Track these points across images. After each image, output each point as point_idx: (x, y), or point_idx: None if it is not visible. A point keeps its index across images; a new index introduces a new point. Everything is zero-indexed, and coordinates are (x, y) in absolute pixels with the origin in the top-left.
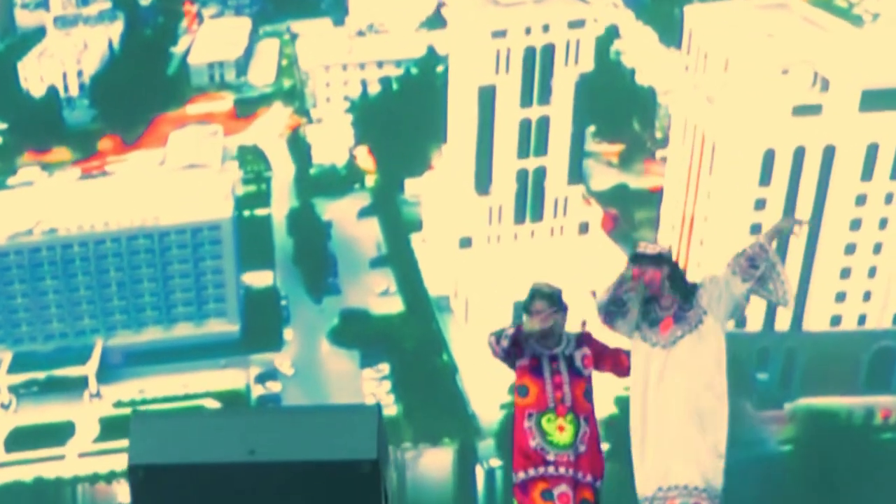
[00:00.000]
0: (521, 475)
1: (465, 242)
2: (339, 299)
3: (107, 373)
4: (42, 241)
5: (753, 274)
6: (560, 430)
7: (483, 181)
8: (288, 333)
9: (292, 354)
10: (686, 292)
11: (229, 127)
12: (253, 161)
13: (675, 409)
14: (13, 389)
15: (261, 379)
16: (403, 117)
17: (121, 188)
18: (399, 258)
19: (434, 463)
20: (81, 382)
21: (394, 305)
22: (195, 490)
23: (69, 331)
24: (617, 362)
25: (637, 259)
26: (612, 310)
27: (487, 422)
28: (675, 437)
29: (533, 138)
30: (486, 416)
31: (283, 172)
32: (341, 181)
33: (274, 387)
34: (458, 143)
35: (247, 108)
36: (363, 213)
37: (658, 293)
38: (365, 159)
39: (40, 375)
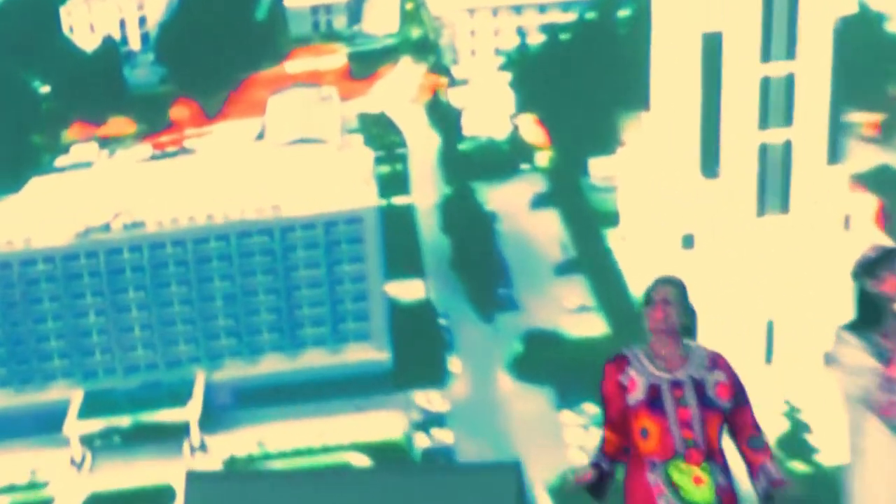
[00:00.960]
0: None
1: (688, 241)
2: (518, 317)
3: (213, 418)
4: (123, 239)
5: None
6: (697, 483)
7: (710, 160)
8: (453, 363)
9: (462, 391)
10: None
11: (343, 89)
12: (380, 134)
13: None
14: (87, 441)
15: (424, 425)
16: (579, 77)
17: (215, 170)
18: (593, 262)
19: None
20: (180, 431)
21: (593, 325)
22: None
23: (160, 361)
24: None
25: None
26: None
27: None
28: None
29: (777, 103)
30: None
31: (422, 149)
32: (503, 160)
33: (443, 436)
34: (669, 111)
35: (365, 66)
36: (538, 202)
37: None
38: (532, 131)
39: (123, 422)
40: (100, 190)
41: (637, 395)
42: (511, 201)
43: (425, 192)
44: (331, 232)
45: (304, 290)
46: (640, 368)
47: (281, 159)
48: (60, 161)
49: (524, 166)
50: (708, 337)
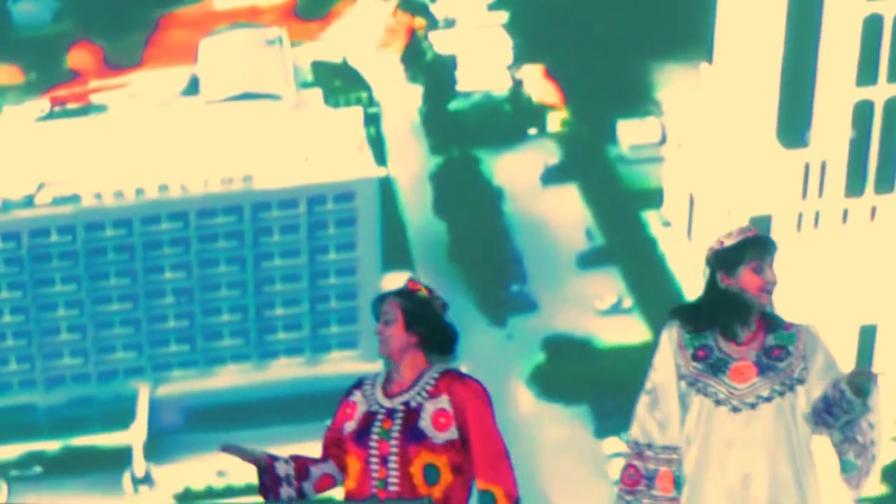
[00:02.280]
0: None
1: (760, 226)
2: (537, 320)
3: (160, 443)
4: (51, 217)
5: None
6: None
7: (795, 123)
8: None
9: None
10: (777, 322)
11: (290, 31)
12: (344, 88)
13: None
14: (1, 470)
15: None
16: (603, 14)
17: (144, 133)
18: (629, 251)
19: None
20: (118, 459)
21: (632, 329)
22: None
23: (91, 371)
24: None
25: (771, 246)
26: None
27: None
28: None
29: (886, 49)
30: None
31: (398, 108)
32: (505, 123)
33: None
34: (738, 57)
35: (315, 1)
36: (550, 176)
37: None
38: (541, 86)
39: (48, 447)
40: (10, 154)
41: (351, 424)
42: (518, 175)
43: (406, 163)
44: (315, 211)
45: (279, 285)
46: (368, 392)
47: (230, 119)
48: None
49: (532, 131)
50: None
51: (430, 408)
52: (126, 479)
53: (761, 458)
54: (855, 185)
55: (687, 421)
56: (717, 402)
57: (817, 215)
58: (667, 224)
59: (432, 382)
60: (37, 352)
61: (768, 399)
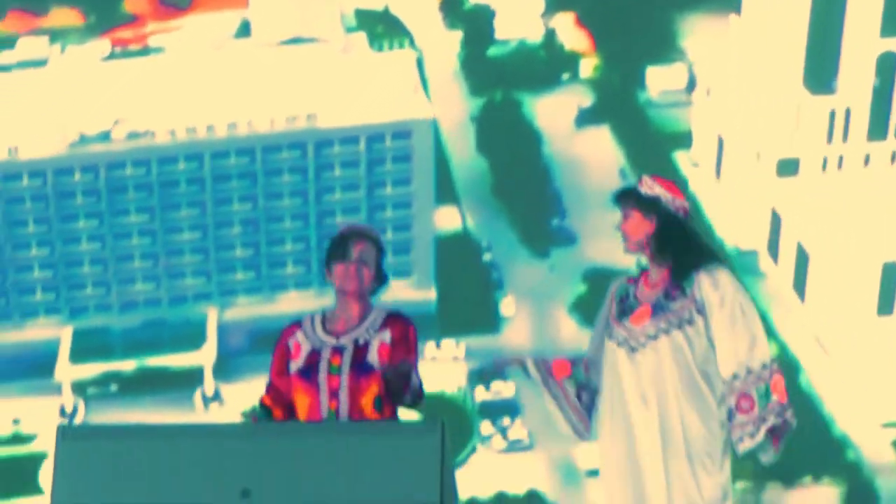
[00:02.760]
0: None
1: (788, 167)
2: (576, 252)
3: (227, 364)
4: (127, 151)
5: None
6: None
7: (821, 70)
8: (507, 305)
9: (519, 337)
10: (682, 268)
11: None
12: (387, 34)
13: (648, 445)
14: (80, 388)
15: (481, 376)
16: None
17: (206, 73)
18: None
19: None
20: (190, 379)
21: None
22: None
23: (163, 296)
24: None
25: (624, 197)
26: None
27: (872, 451)
28: (653, 486)
29: None
30: (864, 441)
31: (439, 53)
32: (540, 69)
33: (503, 389)
34: (767, 9)
35: None
36: (584, 119)
37: (644, 254)
38: (573, 34)
39: (123, 366)
40: (83, 91)
41: (297, 362)
42: (553, 117)
43: (448, 105)
44: (374, 148)
45: (339, 216)
46: (309, 332)
47: (286, 61)
48: (5, 58)
49: (565, 76)
50: (818, 278)
51: (375, 343)
52: (197, 396)
53: (650, 394)
54: (877, 130)
55: (603, 366)
56: (619, 345)
57: (841, 159)
58: (696, 165)
59: (381, 321)
60: (112, 277)
61: (654, 337)
